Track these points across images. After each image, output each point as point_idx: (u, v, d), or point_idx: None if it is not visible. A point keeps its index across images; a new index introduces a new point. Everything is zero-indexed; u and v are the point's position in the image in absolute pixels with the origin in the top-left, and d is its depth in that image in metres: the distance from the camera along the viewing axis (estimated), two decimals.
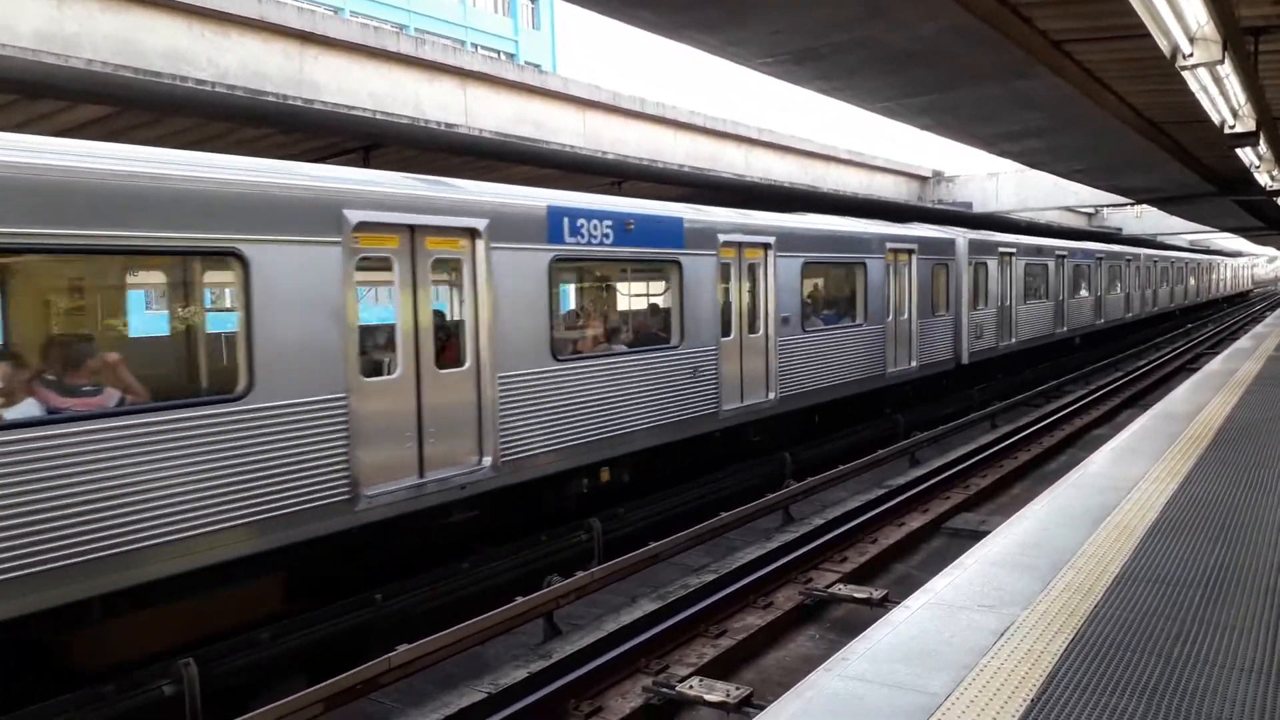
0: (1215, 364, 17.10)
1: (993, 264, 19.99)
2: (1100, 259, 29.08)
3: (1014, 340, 21.44)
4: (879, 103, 11.21)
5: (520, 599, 7.39)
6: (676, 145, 16.88)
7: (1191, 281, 48.53)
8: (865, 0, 7.20)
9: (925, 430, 15.27)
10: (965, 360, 18.49)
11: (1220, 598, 4.98)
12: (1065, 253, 25.60)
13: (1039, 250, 23.77)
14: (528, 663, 6.81)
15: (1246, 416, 10.66)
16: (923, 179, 26.31)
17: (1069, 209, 31.79)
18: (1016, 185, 25.70)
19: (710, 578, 8.36)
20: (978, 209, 26.26)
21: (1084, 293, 27.56)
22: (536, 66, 36.84)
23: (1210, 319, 49.94)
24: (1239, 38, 7.36)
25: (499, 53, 48.56)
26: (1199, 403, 11.80)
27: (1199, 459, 8.39)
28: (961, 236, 18.71)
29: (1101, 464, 8.50)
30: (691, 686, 6.20)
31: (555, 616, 7.58)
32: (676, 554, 9.16)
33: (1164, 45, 6.59)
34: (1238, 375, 14.61)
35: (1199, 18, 6.14)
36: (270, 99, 10.43)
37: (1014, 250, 21.40)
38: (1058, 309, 24.96)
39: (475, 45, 47.28)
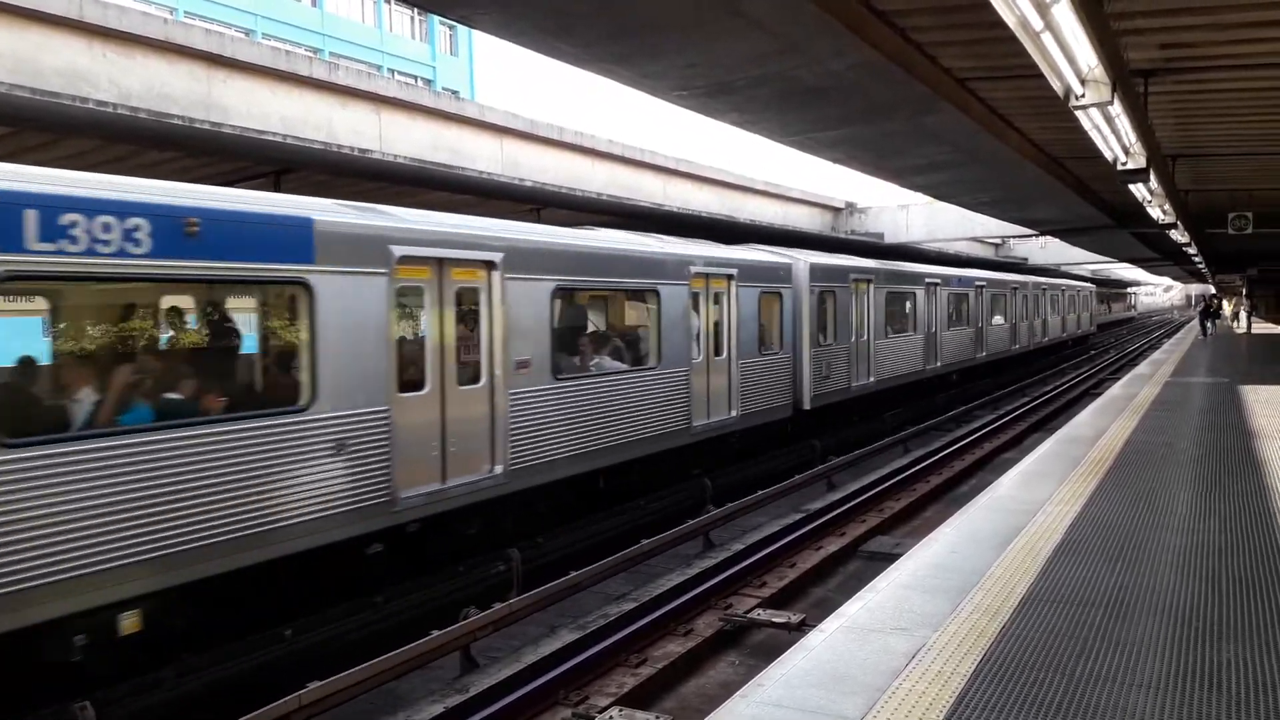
0: (1116, 389, 17.81)
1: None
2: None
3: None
4: (791, 136, 11.47)
5: (436, 632, 7.25)
6: (595, 173, 16.94)
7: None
8: (777, 36, 7.36)
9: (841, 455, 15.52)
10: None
11: (1121, 616, 5.15)
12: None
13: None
14: (444, 697, 6.67)
15: (1144, 440, 11.11)
16: (836, 210, 26.91)
17: (977, 239, 32.88)
18: (926, 217, 26.47)
19: (631, 606, 8.32)
20: (889, 240, 26.97)
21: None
22: (454, 93, 36.73)
23: None
24: (1128, 79, 7.74)
25: (416, 78, 48.25)
26: (1100, 427, 12.25)
27: (1100, 481, 8.71)
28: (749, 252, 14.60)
29: (1009, 487, 8.75)
30: (611, 717, 6.17)
31: (472, 649, 7.46)
32: (597, 582, 9.11)
33: (1057, 86, 6.88)
34: (1136, 400, 15.24)
35: (1089, 60, 6.42)
36: (177, 121, 10.16)
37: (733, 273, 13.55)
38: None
39: (392, 70, 46.93)
